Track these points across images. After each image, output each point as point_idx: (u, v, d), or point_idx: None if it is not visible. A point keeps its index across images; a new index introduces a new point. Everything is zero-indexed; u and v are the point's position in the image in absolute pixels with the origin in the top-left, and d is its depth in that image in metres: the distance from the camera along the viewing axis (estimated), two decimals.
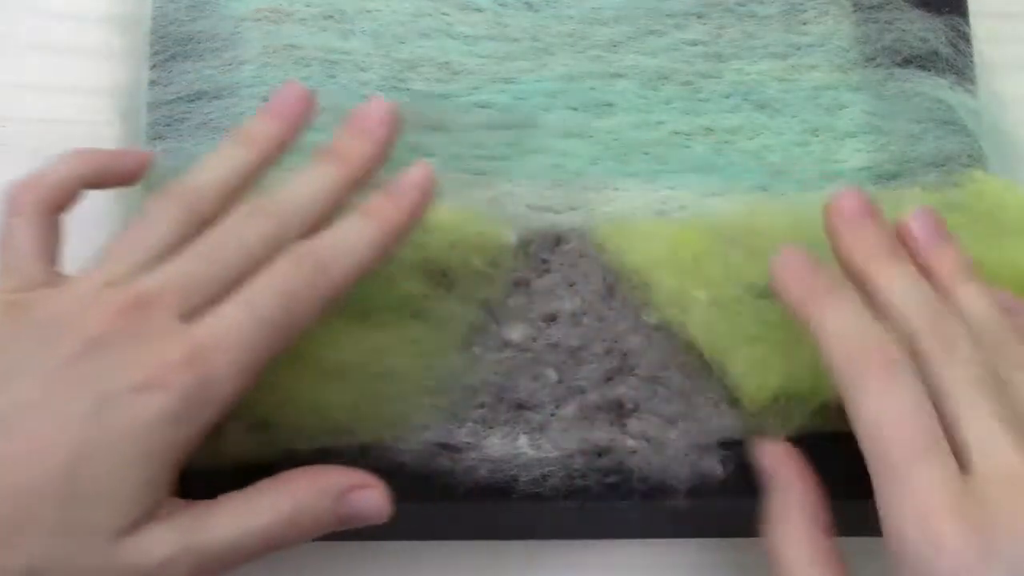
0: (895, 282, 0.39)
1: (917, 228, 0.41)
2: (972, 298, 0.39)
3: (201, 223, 0.39)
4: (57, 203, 0.41)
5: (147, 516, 0.36)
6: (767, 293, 0.44)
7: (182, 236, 0.39)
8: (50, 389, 0.36)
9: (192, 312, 0.38)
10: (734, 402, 0.44)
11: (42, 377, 0.36)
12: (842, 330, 0.38)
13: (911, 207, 0.42)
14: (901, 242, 0.41)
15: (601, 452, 0.43)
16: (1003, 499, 0.35)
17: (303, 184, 0.41)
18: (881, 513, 0.36)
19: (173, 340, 0.37)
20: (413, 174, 0.42)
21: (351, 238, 0.40)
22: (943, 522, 0.35)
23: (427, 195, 0.42)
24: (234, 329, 0.37)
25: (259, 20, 0.49)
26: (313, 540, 0.39)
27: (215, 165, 0.41)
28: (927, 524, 0.35)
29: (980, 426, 0.36)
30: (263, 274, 0.38)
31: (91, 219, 0.48)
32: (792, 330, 0.41)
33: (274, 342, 0.38)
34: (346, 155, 0.42)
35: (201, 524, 0.37)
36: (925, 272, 0.40)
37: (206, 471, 0.42)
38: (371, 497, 0.39)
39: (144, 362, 0.36)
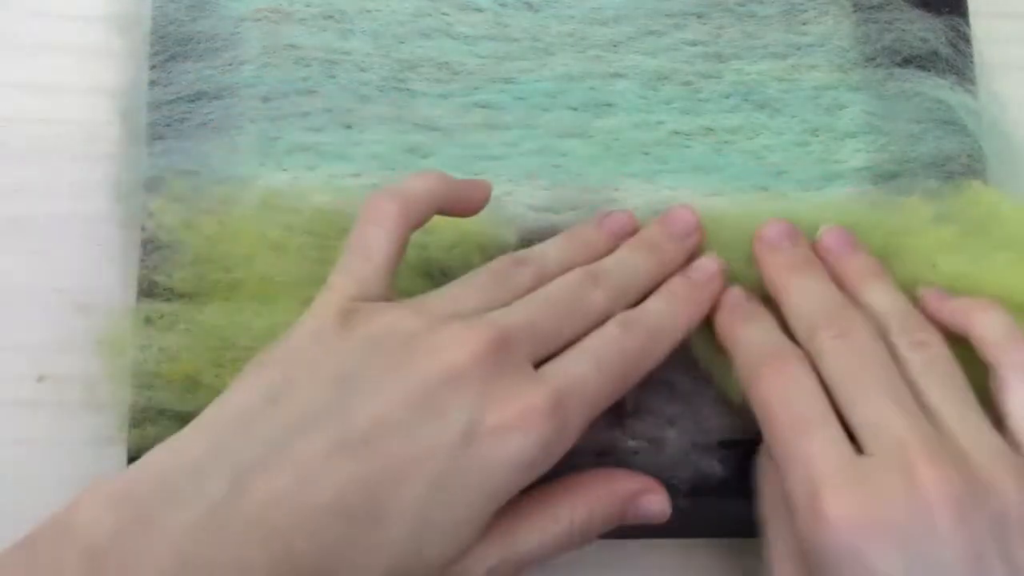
0: (800, 289, 0.43)
1: (828, 241, 0.45)
2: (878, 294, 0.43)
3: (536, 286, 0.41)
4: (415, 219, 0.41)
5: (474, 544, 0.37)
6: (764, 295, 0.44)
7: (517, 292, 0.40)
8: (413, 411, 0.36)
9: (539, 359, 0.39)
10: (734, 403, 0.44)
11: (402, 397, 0.36)
12: (747, 341, 0.42)
13: (911, 215, 0.45)
14: (818, 256, 0.45)
15: (602, 452, 0.43)
16: (892, 473, 0.36)
17: (628, 265, 0.43)
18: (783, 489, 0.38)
19: (536, 385, 0.37)
20: (707, 264, 0.44)
21: (666, 316, 0.42)
22: (824, 492, 0.36)
23: (721, 288, 0.44)
24: (586, 381, 0.38)
25: (259, 20, 0.49)
26: None
27: (551, 246, 0.43)
28: (811, 495, 0.37)
29: (871, 406, 0.38)
30: (601, 335, 0.40)
31: (91, 220, 0.48)
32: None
33: (610, 399, 0.40)
34: (663, 253, 0.44)
35: (510, 538, 0.38)
36: (838, 280, 0.44)
37: None
38: (657, 502, 0.41)
39: (509, 403, 0.37)
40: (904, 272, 0.45)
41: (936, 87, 0.48)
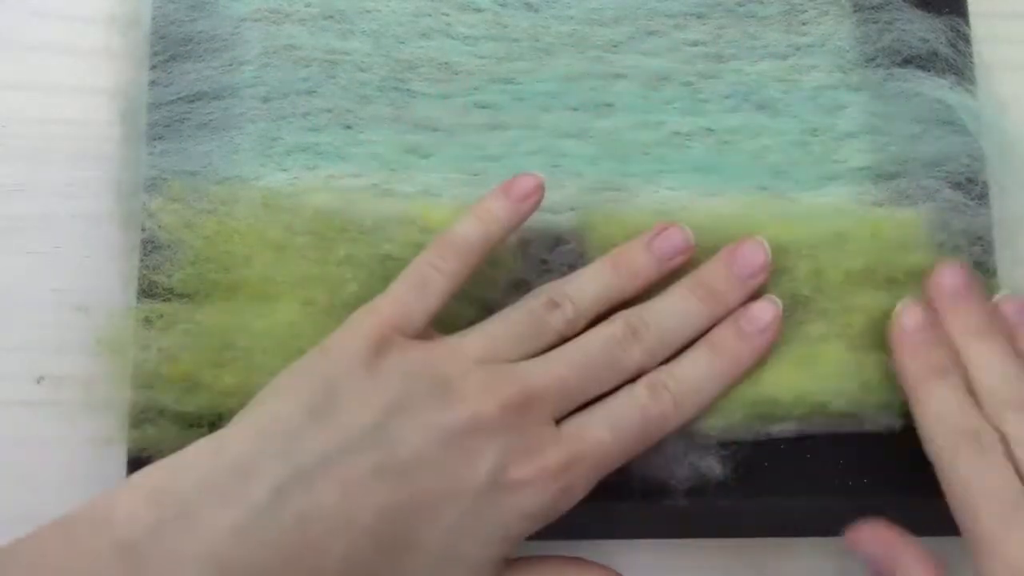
0: (985, 359, 0.42)
1: (1007, 309, 0.44)
2: None
3: (570, 331, 0.42)
4: (473, 269, 0.42)
5: None
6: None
7: (551, 338, 0.42)
8: (447, 451, 0.38)
9: (561, 416, 0.41)
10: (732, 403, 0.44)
11: (437, 435, 0.38)
12: (941, 413, 0.41)
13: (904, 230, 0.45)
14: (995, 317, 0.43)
15: None
16: None
17: (675, 316, 0.43)
18: (975, 572, 0.38)
19: (554, 447, 0.40)
20: (762, 313, 0.43)
21: (703, 375, 0.42)
22: None
23: (774, 338, 0.43)
24: (599, 446, 0.40)
25: (259, 20, 0.49)
26: None
27: (590, 280, 0.43)
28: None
29: None
30: (625, 397, 0.41)
31: (91, 220, 0.48)
32: None
33: (618, 463, 0.41)
34: (719, 301, 0.43)
35: None
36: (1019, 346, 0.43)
37: None
38: None
39: (529, 459, 0.39)
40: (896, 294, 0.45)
41: (936, 87, 0.48)
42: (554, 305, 0.42)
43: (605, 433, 0.40)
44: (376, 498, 0.37)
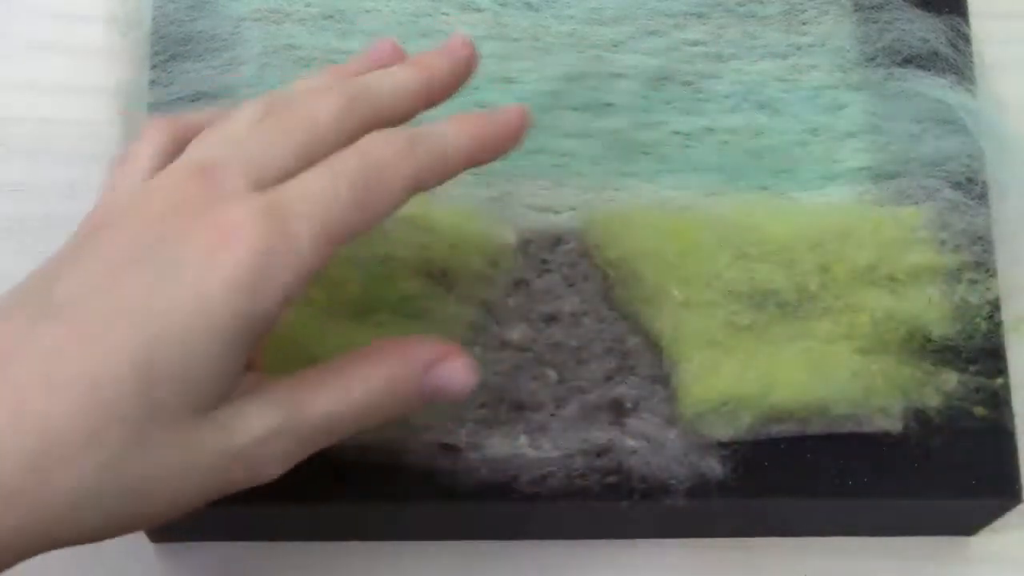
0: None
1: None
2: None
3: None
4: (185, 143, 0.38)
5: (229, 393, 0.33)
6: (745, 297, 0.44)
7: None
8: (113, 272, 0.33)
9: (265, 184, 0.34)
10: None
11: (107, 260, 0.33)
12: None
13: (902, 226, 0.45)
14: None
15: (601, 452, 0.43)
16: None
17: (384, 76, 0.38)
18: None
19: (243, 201, 0.33)
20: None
21: (436, 128, 0.37)
22: None
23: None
24: (313, 191, 0.34)
25: (259, 20, 0.49)
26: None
27: (305, 81, 0.39)
28: None
29: None
30: (347, 148, 0.35)
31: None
32: (759, 333, 0.43)
33: (356, 214, 0.34)
34: (428, 64, 0.39)
35: (296, 399, 0.34)
36: None
37: None
38: (457, 369, 0.37)
39: (213, 225, 0.33)
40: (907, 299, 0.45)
41: (936, 87, 0.48)
42: (256, 100, 0.37)
43: (319, 178, 0.34)
44: (37, 344, 0.32)
